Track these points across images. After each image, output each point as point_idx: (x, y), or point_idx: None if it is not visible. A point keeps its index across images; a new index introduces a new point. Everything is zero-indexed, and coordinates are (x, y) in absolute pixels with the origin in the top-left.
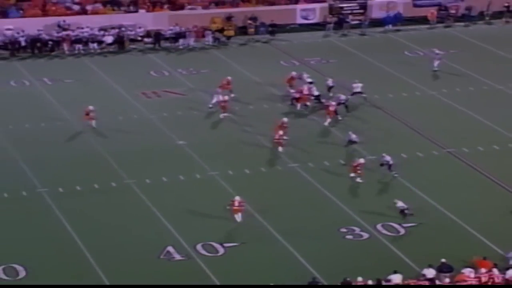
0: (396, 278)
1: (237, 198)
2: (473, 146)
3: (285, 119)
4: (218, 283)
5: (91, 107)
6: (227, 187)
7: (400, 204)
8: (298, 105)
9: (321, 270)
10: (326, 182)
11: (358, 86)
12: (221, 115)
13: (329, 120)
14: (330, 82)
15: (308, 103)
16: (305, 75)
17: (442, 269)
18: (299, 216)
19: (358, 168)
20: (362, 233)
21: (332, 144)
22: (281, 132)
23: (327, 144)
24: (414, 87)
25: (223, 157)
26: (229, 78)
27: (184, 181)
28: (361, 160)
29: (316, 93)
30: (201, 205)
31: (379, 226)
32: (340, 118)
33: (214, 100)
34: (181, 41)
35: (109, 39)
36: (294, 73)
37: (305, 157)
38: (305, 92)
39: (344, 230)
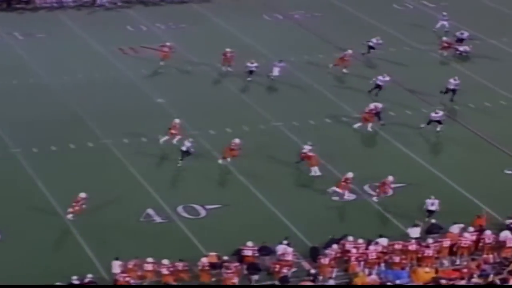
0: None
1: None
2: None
3: None
4: (198, 245)
5: (177, 120)
6: (208, 146)
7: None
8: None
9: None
10: None
11: (438, 114)
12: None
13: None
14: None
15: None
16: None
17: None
18: (286, 179)
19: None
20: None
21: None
22: None
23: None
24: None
25: (204, 116)
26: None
27: (163, 141)
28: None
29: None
30: (183, 165)
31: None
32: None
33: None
34: None
35: None
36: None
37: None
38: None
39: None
